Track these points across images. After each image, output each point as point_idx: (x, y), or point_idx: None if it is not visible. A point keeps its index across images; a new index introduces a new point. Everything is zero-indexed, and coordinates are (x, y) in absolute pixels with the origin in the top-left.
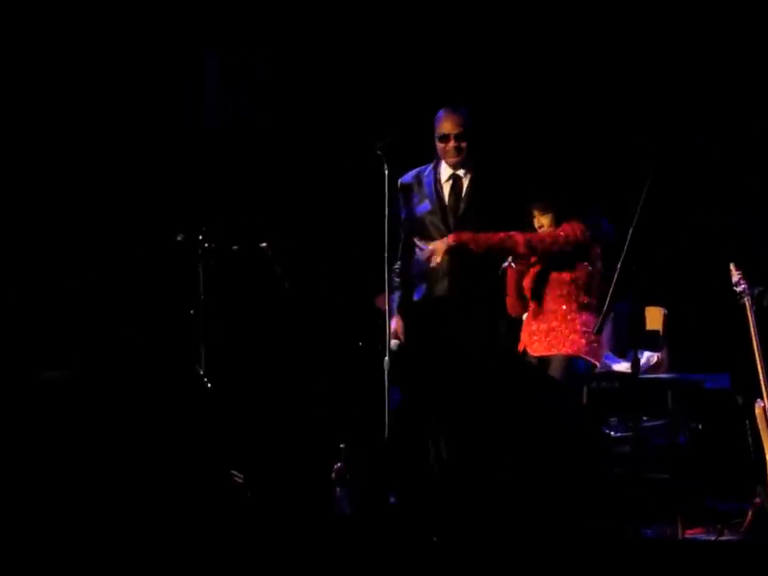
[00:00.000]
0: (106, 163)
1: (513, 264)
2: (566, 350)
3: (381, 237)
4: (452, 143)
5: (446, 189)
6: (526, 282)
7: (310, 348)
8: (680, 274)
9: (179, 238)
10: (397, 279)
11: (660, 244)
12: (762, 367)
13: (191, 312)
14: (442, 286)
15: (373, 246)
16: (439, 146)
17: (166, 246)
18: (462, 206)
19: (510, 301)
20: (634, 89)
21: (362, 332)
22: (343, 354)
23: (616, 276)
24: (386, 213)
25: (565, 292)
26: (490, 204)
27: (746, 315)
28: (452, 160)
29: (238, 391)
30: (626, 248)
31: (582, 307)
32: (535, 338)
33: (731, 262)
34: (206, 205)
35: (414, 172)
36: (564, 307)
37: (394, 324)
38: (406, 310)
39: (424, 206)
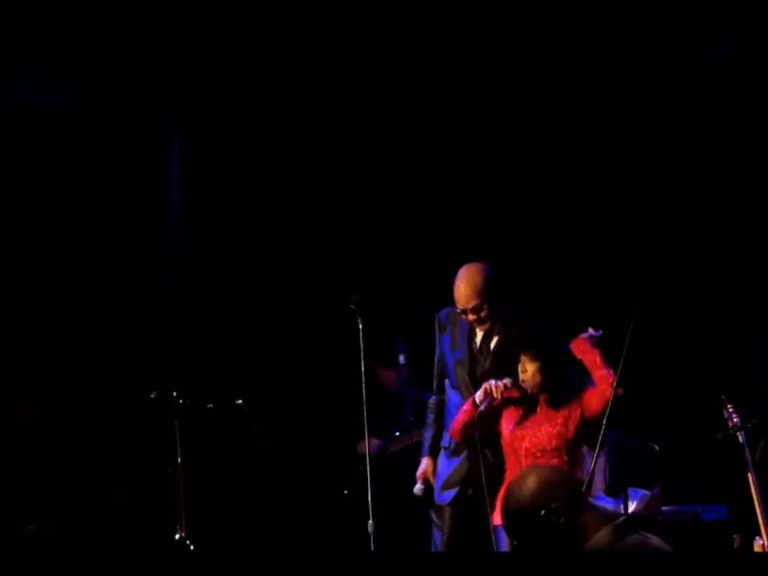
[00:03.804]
0: (77, 315)
1: (483, 407)
2: None
3: (358, 387)
4: (471, 316)
5: (479, 338)
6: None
7: (292, 504)
8: (671, 408)
9: (153, 395)
10: (431, 416)
11: (650, 378)
12: (759, 505)
13: (169, 470)
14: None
15: (350, 397)
16: (461, 315)
17: (140, 403)
18: (489, 360)
19: (456, 427)
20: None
21: (345, 481)
22: (327, 507)
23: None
24: (362, 365)
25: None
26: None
27: (741, 451)
28: (478, 328)
29: (221, 550)
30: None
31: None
32: None
33: (722, 395)
34: (179, 361)
35: (450, 309)
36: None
37: (424, 465)
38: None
39: (456, 354)
